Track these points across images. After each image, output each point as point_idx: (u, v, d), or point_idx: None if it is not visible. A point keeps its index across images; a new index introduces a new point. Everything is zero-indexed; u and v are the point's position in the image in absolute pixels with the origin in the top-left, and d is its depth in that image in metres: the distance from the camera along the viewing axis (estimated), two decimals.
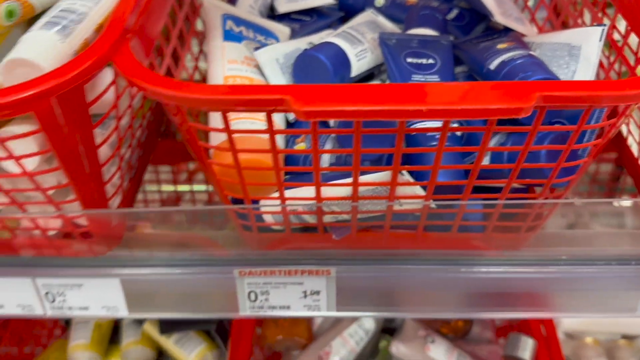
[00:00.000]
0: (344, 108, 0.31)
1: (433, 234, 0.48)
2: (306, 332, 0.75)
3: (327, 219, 0.46)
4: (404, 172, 0.40)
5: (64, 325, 0.92)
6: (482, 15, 0.59)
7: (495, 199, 0.43)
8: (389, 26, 0.59)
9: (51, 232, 0.47)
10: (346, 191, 0.43)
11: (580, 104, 0.32)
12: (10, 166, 0.39)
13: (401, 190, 0.42)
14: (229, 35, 0.50)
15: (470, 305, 0.50)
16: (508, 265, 0.48)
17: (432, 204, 0.43)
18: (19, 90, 0.32)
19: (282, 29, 0.57)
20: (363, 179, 0.41)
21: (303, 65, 0.48)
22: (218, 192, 0.45)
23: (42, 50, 0.34)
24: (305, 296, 0.52)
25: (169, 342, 0.81)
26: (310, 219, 0.46)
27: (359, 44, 0.51)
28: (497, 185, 0.43)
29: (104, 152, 0.42)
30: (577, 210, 0.60)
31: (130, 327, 0.85)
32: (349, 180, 0.41)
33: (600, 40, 0.46)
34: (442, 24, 0.55)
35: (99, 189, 0.43)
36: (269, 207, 0.44)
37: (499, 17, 0.54)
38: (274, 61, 0.49)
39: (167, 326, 0.80)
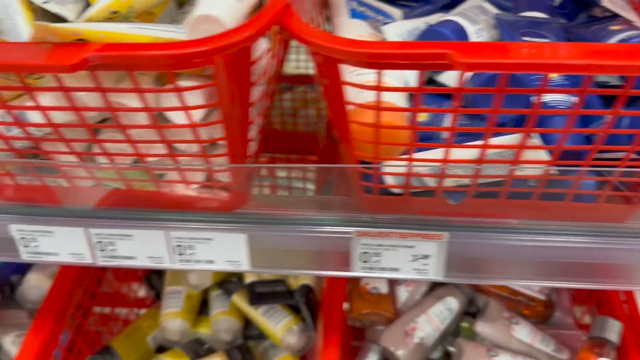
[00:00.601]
0: (502, 61, 0.34)
1: (545, 202, 0.50)
2: (392, 307, 0.78)
3: (447, 182, 0.49)
4: (534, 135, 0.43)
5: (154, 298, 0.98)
6: (585, 3, 0.62)
7: (613, 167, 0.45)
8: (493, 10, 0.62)
9: (193, 186, 0.52)
10: (470, 155, 0.46)
11: None
12: (176, 117, 0.44)
13: (524, 156, 0.45)
14: (354, 14, 0.54)
15: (582, 276, 0.52)
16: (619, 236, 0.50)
17: (554, 170, 0.45)
18: (209, 42, 0.37)
19: (396, 11, 0.60)
20: (493, 141, 0.44)
21: (425, 38, 0.51)
22: (346, 153, 0.49)
23: (225, 9, 0.39)
24: (415, 260, 0.55)
25: (257, 313, 0.85)
26: (432, 182, 0.49)
27: (476, 23, 0.54)
28: (611, 156, 0.46)
29: (252, 111, 0.46)
30: None
31: (218, 298, 0.89)
32: (478, 142, 0.44)
33: None
34: (550, 9, 0.58)
35: (244, 146, 0.48)
36: (396, 167, 0.48)
37: (607, 3, 0.56)
38: (397, 37, 0.53)
39: (257, 298, 0.85)
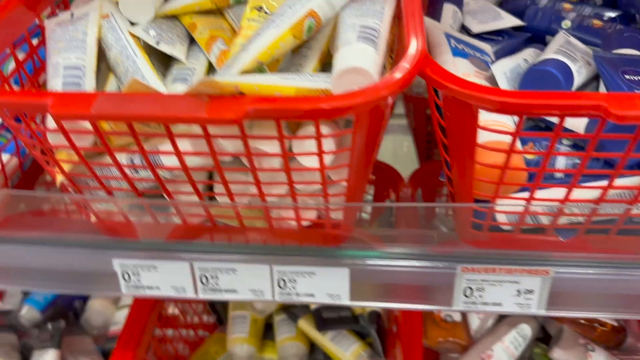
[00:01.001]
0: None
1: None
2: (466, 335, 0.78)
3: (561, 220, 0.49)
4: None
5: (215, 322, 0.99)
6: None
7: None
8: (582, 47, 0.63)
9: (305, 223, 0.52)
10: (590, 194, 0.47)
11: None
12: (306, 160, 0.44)
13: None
14: (456, 52, 0.55)
15: None
16: None
17: None
18: (362, 95, 0.37)
19: (486, 46, 0.61)
20: (617, 182, 0.44)
21: (533, 78, 0.52)
22: (461, 191, 0.50)
23: (370, 60, 0.40)
24: (519, 294, 0.55)
25: (325, 339, 0.85)
26: (546, 220, 0.50)
27: (576, 61, 0.55)
28: None
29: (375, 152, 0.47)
30: None
31: (283, 323, 0.90)
32: (600, 183, 0.45)
33: None
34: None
35: (364, 185, 0.49)
36: (512, 207, 0.49)
37: None
38: (503, 74, 0.54)
39: (324, 324, 0.85)
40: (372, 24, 0.44)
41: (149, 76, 0.47)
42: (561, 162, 0.50)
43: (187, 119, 0.37)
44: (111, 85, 0.51)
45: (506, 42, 0.66)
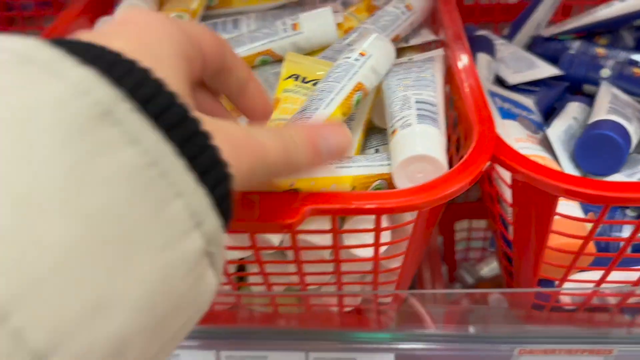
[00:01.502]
0: None
1: None
2: None
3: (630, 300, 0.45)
4: None
5: None
6: None
7: None
8: (627, 99, 0.59)
9: (347, 309, 0.47)
10: None
11: None
12: (360, 251, 0.40)
13: None
14: (504, 113, 0.51)
15: None
16: None
17: None
18: (430, 191, 0.33)
19: (528, 101, 0.58)
20: None
21: (592, 143, 0.48)
22: (524, 273, 0.45)
23: (435, 145, 0.35)
24: None
25: None
26: (613, 300, 0.46)
27: (631, 120, 0.51)
28: None
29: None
30: None
31: None
32: None
33: None
34: None
35: (413, 272, 0.44)
36: (581, 289, 0.44)
37: None
38: (559, 139, 0.49)
39: None
40: (428, 98, 0.39)
41: None
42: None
43: (236, 226, 0.32)
44: None
45: (544, 93, 0.62)
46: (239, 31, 0.54)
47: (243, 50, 0.51)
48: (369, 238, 0.37)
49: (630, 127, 0.50)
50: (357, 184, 0.38)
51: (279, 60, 0.51)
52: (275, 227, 0.32)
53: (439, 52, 0.46)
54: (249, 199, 0.32)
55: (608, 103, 0.54)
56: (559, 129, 0.50)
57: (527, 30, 0.72)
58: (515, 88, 0.63)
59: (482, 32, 0.72)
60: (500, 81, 0.64)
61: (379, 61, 0.41)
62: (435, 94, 0.40)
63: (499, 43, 0.69)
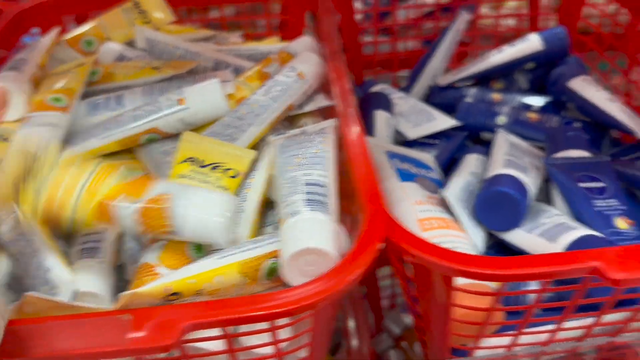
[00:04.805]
0: None
1: None
2: None
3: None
4: None
5: None
6: (602, 126, 0.62)
7: None
8: (524, 145, 0.60)
9: None
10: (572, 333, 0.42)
11: None
12: (261, 350, 0.37)
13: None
14: (403, 175, 0.51)
15: None
16: None
17: None
18: (321, 289, 0.31)
19: (427, 157, 0.57)
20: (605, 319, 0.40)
21: (490, 201, 0.48)
22: (435, 343, 0.44)
23: (324, 234, 0.33)
24: None
25: None
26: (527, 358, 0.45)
27: (527, 170, 0.52)
28: None
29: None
30: None
31: None
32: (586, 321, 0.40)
33: None
34: (589, 144, 0.57)
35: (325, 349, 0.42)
36: (493, 353, 0.43)
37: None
38: (457, 198, 0.49)
39: None
40: (319, 178, 0.38)
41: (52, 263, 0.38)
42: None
43: (105, 354, 0.28)
44: None
45: (444, 145, 0.63)
46: (123, 108, 0.51)
47: (126, 130, 0.47)
48: (268, 336, 0.34)
49: (527, 178, 0.50)
50: (245, 270, 0.35)
51: (167, 137, 0.48)
52: (151, 350, 0.28)
53: (330, 123, 0.45)
54: (118, 320, 0.29)
55: (504, 155, 0.54)
56: (457, 187, 0.50)
57: (425, 80, 0.73)
58: (415, 142, 0.63)
59: (380, 87, 0.72)
60: (400, 136, 0.64)
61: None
62: (326, 173, 0.39)
63: (397, 97, 0.69)
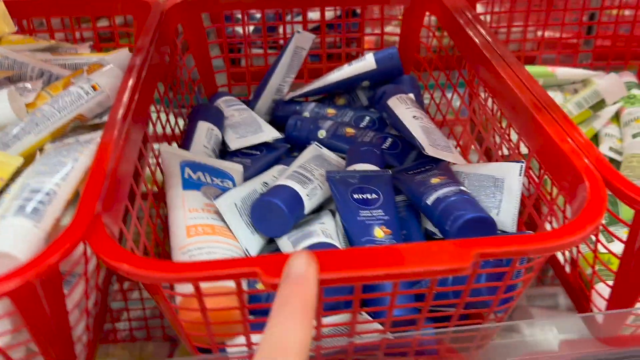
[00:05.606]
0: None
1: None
2: None
3: None
4: (363, 312, 0.44)
5: None
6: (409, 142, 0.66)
7: (446, 326, 0.47)
8: (334, 157, 0.64)
9: None
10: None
11: (511, 256, 0.38)
12: None
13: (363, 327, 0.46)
14: (187, 184, 0.54)
15: None
16: None
17: (390, 336, 0.46)
18: None
19: (236, 168, 0.61)
20: (326, 321, 0.44)
21: (260, 209, 0.52)
22: (186, 343, 0.47)
23: (18, 239, 0.36)
24: None
25: None
26: None
27: (309, 182, 0.55)
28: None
29: (73, 315, 0.43)
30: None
31: None
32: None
33: (520, 174, 0.53)
34: (380, 158, 0.61)
35: (67, 350, 0.44)
36: (237, 354, 0.46)
37: (430, 150, 0.59)
38: (233, 207, 0.52)
39: None
40: (48, 186, 0.41)
41: None
42: None
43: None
44: None
45: (264, 156, 0.66)
46: None
47: None
48: None
49: (305, 190, 0.54)
50: None
51: None
52: None
53: (98, 135, 0.48)
54: None
55: (296, 167, 0.58)
56: (236, 197, 0.53)
57: (268, 95, 0.76)
58: (239, 152, 0.67)
59: (225, 98, 0.75)
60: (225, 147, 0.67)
61: None
62: (63, 182, 0.42)
63: (236, 109, 0.73)
